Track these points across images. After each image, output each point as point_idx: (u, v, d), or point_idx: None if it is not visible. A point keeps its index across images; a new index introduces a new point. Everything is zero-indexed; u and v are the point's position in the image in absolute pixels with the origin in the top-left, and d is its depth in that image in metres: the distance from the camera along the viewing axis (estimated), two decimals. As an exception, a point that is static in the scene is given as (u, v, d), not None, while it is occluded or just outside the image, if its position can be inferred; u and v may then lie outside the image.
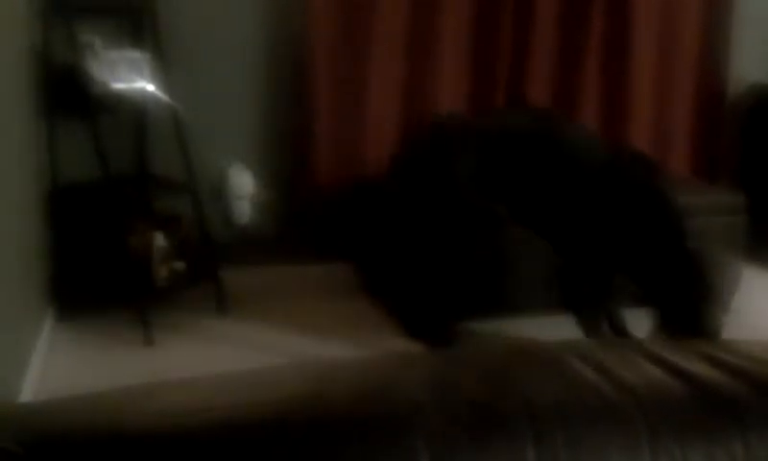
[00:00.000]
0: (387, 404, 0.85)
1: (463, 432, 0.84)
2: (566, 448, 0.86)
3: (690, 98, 4.42)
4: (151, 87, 3.54)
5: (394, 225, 3.66)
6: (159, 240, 3.59)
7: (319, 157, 3.95)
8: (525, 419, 0.88)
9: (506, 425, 0.86)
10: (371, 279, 3.92)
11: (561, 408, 0.90)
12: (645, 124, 4.31)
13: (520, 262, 3.51)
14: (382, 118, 3.99)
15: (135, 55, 3.55)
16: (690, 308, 2.81)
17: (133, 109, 3.68)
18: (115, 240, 3.50)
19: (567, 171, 3.01)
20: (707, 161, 4.46)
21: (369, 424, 0.82)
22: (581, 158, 3.03)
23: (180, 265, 3.65)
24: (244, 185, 3.96)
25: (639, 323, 3.03)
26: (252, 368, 1.00)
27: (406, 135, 3.96)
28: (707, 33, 4.37)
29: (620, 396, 0.92)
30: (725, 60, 4.41)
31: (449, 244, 3.32)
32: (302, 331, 3.48)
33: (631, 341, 1.08)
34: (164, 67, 3.56)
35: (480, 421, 0.86)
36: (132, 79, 3.52)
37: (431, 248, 3.36)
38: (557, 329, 3.29)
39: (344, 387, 0.88)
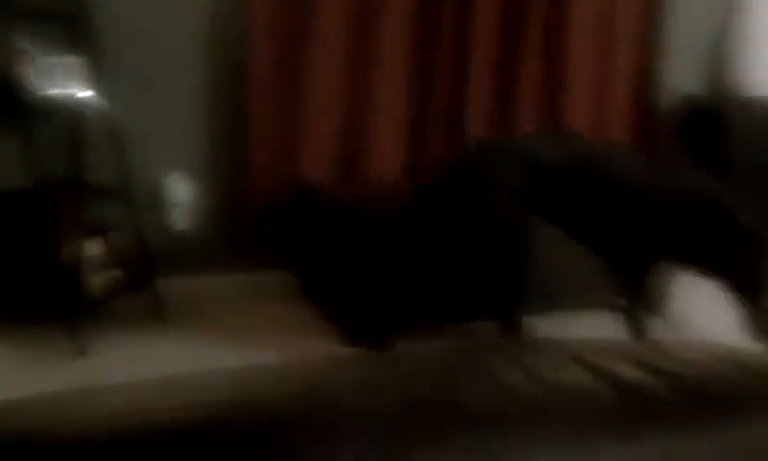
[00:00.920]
0: (312, 405, 0.85)
1: (389, 432, 0.84)
2: (492, 448, 0.87)
3: (626, 110, 4.51)
4: (86, 93, 3.49)
5: (341, 234, 3.65)
6: (94, 248, 3.53)
7: (258, 164, 3.93)
8: (453, 419, 0.88)
9: (433, 425, 0.87)
10: (311, 285, 3.91)
11: (488, 409, 0.91)
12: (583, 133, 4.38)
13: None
14: (321, 127, 3.99)
15: (71, 60, 3.50)
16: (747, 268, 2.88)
17: (69, 116, 3.63)
18: (47, 249, 3.44)
19: (615, 190, 3.10)
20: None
21: (293, 424, 0.81)
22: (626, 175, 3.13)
23: (115, 274, 3.60)
24: (182, 192, 3.92)
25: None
26: (180, 372, 0.99)
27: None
28: (642, 45, 4.47)
29: (546, 397, 0.94)
30: (659, 72, 4.50)
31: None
32: (241, 339, 3.45)
33: (559, 343, 1.10)
34: (101, 73, 3.51)
35: (406, 420, 0.86)
36: (68, 85, 3.46)
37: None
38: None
39: (271, 389, 0.88)
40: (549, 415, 0.90)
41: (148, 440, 0.80)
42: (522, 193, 3.18)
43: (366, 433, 0.83)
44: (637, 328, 3.29)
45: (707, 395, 0.98)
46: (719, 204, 2.96)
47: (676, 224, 3.01)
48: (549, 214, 3.23)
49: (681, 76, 4.56)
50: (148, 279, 3.63)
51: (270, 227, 3.99)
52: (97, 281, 3.52)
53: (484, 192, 3.22)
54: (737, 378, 1.03)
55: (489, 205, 3.21)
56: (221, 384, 0.94)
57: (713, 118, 4.46)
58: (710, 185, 3.04)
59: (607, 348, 1.12)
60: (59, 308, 3.38)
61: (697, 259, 3.02)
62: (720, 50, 4.71)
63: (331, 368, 0.97)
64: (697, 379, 1.01)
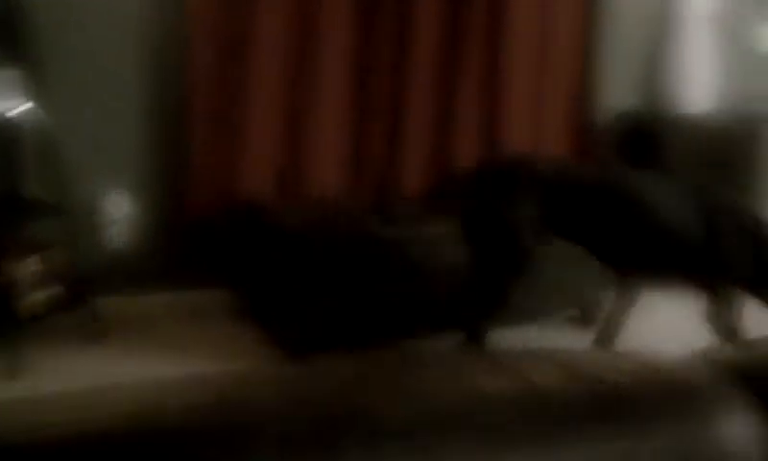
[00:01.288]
0: (227, 417, 0.84)
1: (306, 443, 0.84)
2: (412, 458, 0.87)
3: (562, 127, 4.58)
4: (22, 107, 3.44)
5: (283, 252, 3.63)
6: (30, 266, 3.47)
7: (198, 170, 3.89)
8: (372, 429, 0.89)
9: (351, 436, 0.87)
10: (252, 304, 3.89)
11: (408, 418, 0.91)
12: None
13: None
14: (261, 145, 3.97)
15: (5, 73, 3.44)
16: None
17: (4, 129, 3.56)
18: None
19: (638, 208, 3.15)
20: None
21: (205, 437, 0.81)
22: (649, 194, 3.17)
23: (51, 292, 3.53)
24: (121, 209, 3.87)
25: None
26: (91, 386, 0.98)
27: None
28: (577, 63, 4.55)
29: (471, 403, 0.94)
30: (595, 90, 4.59)
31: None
32: (180, 359, 3.42)
33: (484, 351, 1.11)
34: (37, 86, 3.46)
35: (326, 430, 0.86)
36: (2, 98, 3.41)
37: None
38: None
39: (183, 402, 0.87)
40: (475, 421, 0.91)
41: (53, 454, 0.79)
42: (534, 211, 3.15)
43: (287, 441, 0.83)
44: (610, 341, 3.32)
45: (623, 401, 1.00)
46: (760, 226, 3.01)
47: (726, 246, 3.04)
48: (567, 233, 3.22)
49: (616, 94, 4.65)
50: (85, 298, 3.58)
51: (210, 245, 3.96)
52: (32, 299, 3.46)
53: (495, 208, 3.19)
54: (656, 386, 1.05)
55: (500, 222, 3.16)
56: (131, 397, 0.93)
57: (647, 135, 4.55)
58: (744, 207, 3.09)
59: (533, 355, 1.14)
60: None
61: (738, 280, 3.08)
62: (654, 68, 4.81)
63: (250, 381, 0.97)
64: (615, 386, 1.03)
